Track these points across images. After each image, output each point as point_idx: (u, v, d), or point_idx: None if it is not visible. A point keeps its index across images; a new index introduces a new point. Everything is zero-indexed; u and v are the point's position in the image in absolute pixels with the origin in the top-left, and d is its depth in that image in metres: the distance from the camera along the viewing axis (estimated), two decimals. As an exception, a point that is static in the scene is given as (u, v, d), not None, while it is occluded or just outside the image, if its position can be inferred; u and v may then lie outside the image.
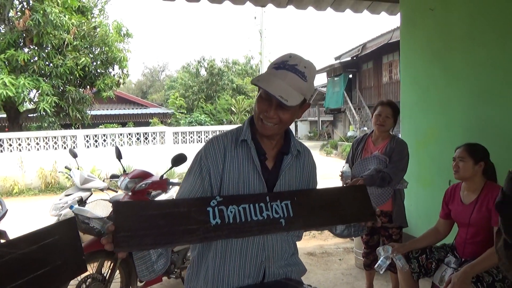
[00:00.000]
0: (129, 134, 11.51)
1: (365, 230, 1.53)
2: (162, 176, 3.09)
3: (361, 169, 2.95)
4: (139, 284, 2.97)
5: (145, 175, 3.16)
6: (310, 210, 1.33)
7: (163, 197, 3.92)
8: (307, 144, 25.00)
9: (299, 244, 1.56)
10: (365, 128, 20.76)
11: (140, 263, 1.23)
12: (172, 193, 3.74)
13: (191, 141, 11.93)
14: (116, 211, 1.10)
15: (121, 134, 11.44)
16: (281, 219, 1.27)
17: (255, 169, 1.34)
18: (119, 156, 3.29)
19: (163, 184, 3.06)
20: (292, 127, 36.12)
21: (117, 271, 2.85)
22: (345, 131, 24.61)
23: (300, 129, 35.21)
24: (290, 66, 1.25)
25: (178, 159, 2.83)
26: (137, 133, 11.59)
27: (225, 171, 1.32)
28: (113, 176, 3.66)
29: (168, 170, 3.03)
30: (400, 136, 3.47)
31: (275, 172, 1.38)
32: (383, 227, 2.98)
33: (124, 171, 3.38)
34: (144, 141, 11.59)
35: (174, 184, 3.20)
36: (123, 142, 11.35)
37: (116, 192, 3.90)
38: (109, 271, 2.75)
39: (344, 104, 22.63)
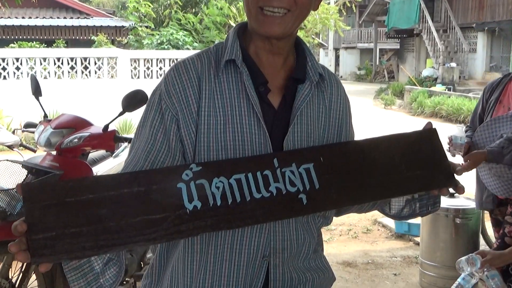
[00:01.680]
0: (59, 59, 11.48)
1: (439, 204, 1.56)
2: (107, 126, 3.09)
3: (488, 135, 2.92)
4: (68, 298, 3.04)
5: (79, 123, 3.16)
6: (347, 176, 1.36)
7: (110, 163, 3.94)
8: (355, 87, 24.82)
9: (329, 249, 1.57)
10: (453, 65, 20.51)
11: (76, 276, 1.25)
12: (125, 156, 3.75)
13: (161, 75, 11.89)
14: (28, 198, 1.11)
15: (45, 59, 11.41)
16: (300, 194, 1.29)
17: (251, 109, 1.35)
18: (36, 91, 3.29)
19: (108, 139, 3.07)
20: (328, 61, 35.83)
21: (33, 276, 2.92)
22: (418, 67, 24.38)
23: (344, 62, 34.99)
24: None
25: (134, 100, 2.82)
26: (72, 59, 11.54)
27: (201, 114, 1.33)
28: (29, 125, 3.67)
29: (117, 117, 3.02)
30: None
31: (284, 112, 1.39)
32: None
33: (46, 116, 3.39)
34: (83, 72, 11.56)
35: (127, 140, 3.20)
36: (49, 72, 11.32)
37: (34, 151, 3.94)
38: (20, 275, 2.82)
39: (419, 23, 22.24)
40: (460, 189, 1.44)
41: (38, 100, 3.33)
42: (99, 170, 3.83)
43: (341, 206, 1.41)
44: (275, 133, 1.37)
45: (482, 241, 4.38)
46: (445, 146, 2.95)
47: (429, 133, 1.49)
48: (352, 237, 5.32)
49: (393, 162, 1.41)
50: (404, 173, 1.41)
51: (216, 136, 1.33)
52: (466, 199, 4.12)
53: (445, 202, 3.93)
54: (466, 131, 3.12)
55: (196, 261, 1.36)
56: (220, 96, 1.35)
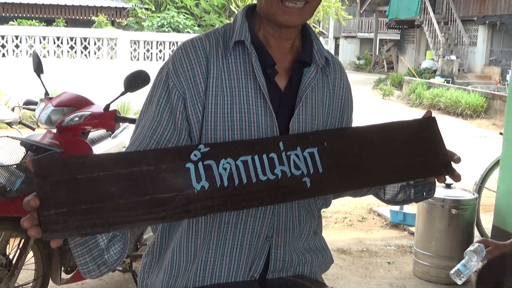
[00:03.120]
0: (58, 38, 11.44)
1: (434, 191, 1.58)
2: (108, 105, 3.09)
3: None
4: (64, 276, 3.05)
5: (81, 102, 3.16)
6: (350, 161, 1.38)
7: (109, 143, 3.94)
8: (354, 77, 24.82)
9: (324, 236, 1.60)
10: (453, 57, 20.47)
11: (81, 252, 1.26)
12: (124, 137, 3.76)
13: (160, 58, 11.85)
14: (41, 174, 1.11)
15: (44, 38, 11.37)
16: (304, 178, 1.30)
17: (258, 90, 1.36)
18: (38, 68, 3.28)
19: (109, 118, 3.07)
20: (328, 49, 35.82)
21: (30, 253, 2.92)
22: (418, 59, 24.35)
23: (344, 51, 34.88)
24: None
25: (136, 80, 2.81)
26: (72, 38, 11.51)
27: (209, 94, 1.34)
28: (29, 103, 3.66)
29: (118, 97, 3.01)
30: None
31: (290, 94, 1.41)
32: None
33: (47, 94, 3.38)
34: (82, 52, 11.51)
35: (127, 120, 3.20)
36: (48, 51, 11.27)
37: (33, 129, 3.93)
38: (18, 251, 2.82)
39: (421, 14, 22.18)
40: (456, 177, 1.45)
41: (39, 77, 3.32)
42: (97, 150, 3.82)
43: (343, 190, 1.42)
44: (281, 115, 1.38)
45: (476, 232, 4.41)
46: None
47: (429, 121, 1.51)
48: (347, 225, 5.35)
49: (393, 149, 1.43)
50: (404, 159, 1.43)
51: (223, 116, 1.33)
52: (463, 190, 4.14)
53: (442, 192, 3.95)
54: None
55: (199, 240, 1.37)
56: (227, 76, 1.36)
